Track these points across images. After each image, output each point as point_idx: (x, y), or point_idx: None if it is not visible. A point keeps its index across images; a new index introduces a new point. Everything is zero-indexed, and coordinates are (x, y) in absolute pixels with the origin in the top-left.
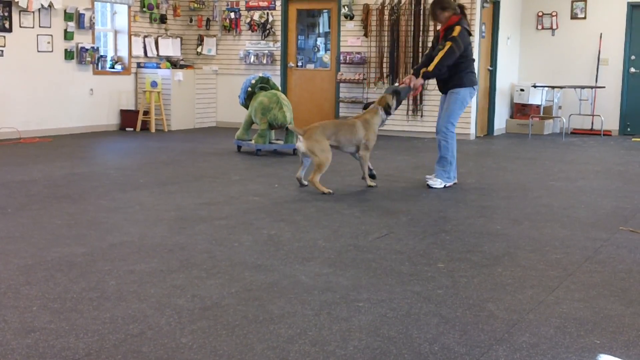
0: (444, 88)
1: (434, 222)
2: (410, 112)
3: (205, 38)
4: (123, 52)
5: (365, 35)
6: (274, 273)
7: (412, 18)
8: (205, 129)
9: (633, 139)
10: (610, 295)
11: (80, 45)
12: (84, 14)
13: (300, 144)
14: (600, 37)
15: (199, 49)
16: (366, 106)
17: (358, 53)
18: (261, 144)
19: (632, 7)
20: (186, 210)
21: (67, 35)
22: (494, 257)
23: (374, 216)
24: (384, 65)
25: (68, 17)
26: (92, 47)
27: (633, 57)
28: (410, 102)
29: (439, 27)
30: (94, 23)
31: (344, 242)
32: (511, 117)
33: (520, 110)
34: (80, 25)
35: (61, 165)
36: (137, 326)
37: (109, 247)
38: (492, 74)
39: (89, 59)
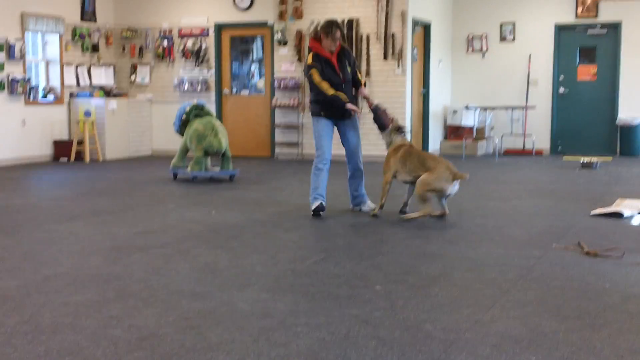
0: (342, 114)
1: (370, 244)
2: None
3: (138, 66)
4: (55, 82)
5: (299, 60)
6: (211, 300)
7: (345, 42)
8: (141, 158)
9: (564, 158)
10: (545, 312)
11: (11, 76)
12: (14, 45)
13: (457, 187)
14: (530, 58)
15: (132, 78)
16: (382, 125)
17: (292, 78)
18: (197, 171)
19: (559, 28)
20: (122, 240)
21: None
22: (431, 277)
23: (311, 240)
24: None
25: None
26: (23, 78)
27: (562, 77)
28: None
29: (332, 49)
30: (24, 53)
31: (281, 267)
32: (445, 138)
33: (453, 131)
34: (10, 55)
35: None
36: (73, 359)
37: (43, 279)
38: (425, 97)
39: (20, 89)
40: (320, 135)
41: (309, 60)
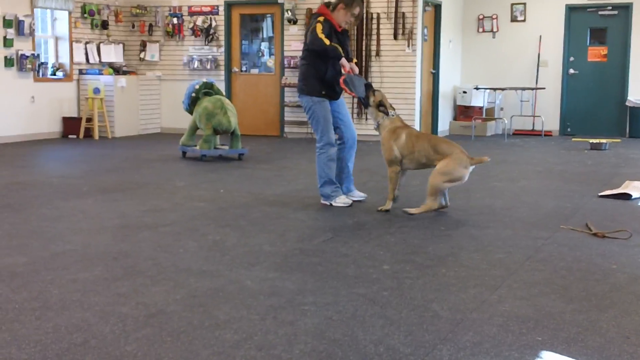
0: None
1: (378, 224)
2: (355, 115)
3: (148, 44)
4: (64, 59)
5: None
6: (219, 279)
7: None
8: (150, 136)
9: (573, 139)
10: (552, 293)
11: (20, 53)
12: (23, 21)
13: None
14: (540, 39)
15: (141, 55)
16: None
17: None
18: (206, 150)
19: (570, 9)
20: (130, 218)
21: (7, 43)
22: (438, 257)
23: (319, 220)
24: None
25: (7, 23)
26: (33, 54)
27: (572, 59)
28: (355, 104)
29: (342, 24)
30: (33, 30)
31: (289, 246)
32: (454, 119)
33: (463, 112)
34: (19, 32)
35: (1, 174)
36: (81, 335)
37: (51, 256)
38: (435, 77)
39: (29, 66)
40: (326, 119)
41: (319, 21)
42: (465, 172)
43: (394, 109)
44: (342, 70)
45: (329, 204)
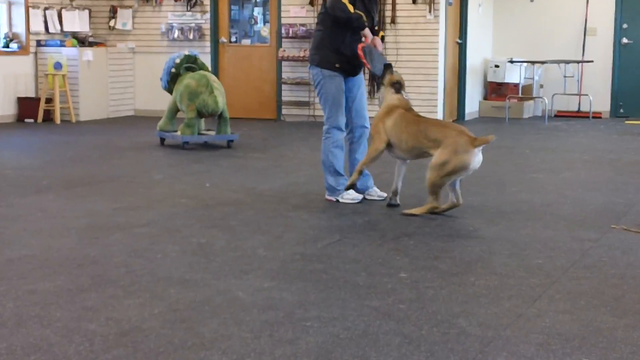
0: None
1: (394, 224)
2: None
3: (119, 9)
4: (19, 28)
5: (311, 3)
6: (205, 289)
7: None
8: (121, 119)
9: (626, 122)
10: (601, 306)
11: None
12: None
13: (481, 157)
14: (587, 2)
15: (111, 23)
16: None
17: (303, 25)
18: (188, 136)
19: None
20: (99, 217)
21: None
22: (466, 263)
23: (323, 219)
24: None
25: None
26: None
27: (625, 26)
28: (367, 81)
29: None
30: None
31: (288, 250)
32: (485, 98)
33: (495, 90)
34: None
35: None
36: (40, 357)
37: (5, 262)
38: (462, 48)
39: None
40: (336, 97)
41: None
42: (467, 159)
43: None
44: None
45: (334, 199)
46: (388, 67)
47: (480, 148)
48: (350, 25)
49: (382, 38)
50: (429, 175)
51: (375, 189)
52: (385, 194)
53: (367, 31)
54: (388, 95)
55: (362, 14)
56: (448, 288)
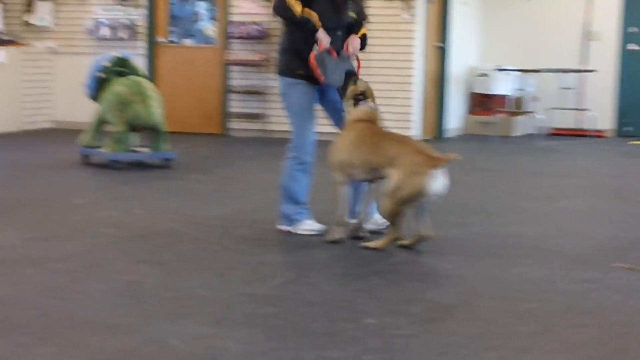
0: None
1: (361, 260)
2: None
3: (36, 2)
4: None
5: None
6: (133, 336)
7: None
8: (38, 132)
9: (633, 142)
10: (604, 358)
11: None
12: None
13: (444, 180)
14: (590, 1)
15: (27, 18)
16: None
17: (256, 24)
18: (118, 153)
19: None
20: (8, 250)
21: None
22: (444, 307)
23: (276, 253)
24: None
25: None
26: None
27: (633, 29)
28: None
29: None
30: None
31: (234, 290)
32: (469, 112)
33: (481, 103)
34: None
35: None
36: None
37: None
38: (443, 54)
39: None
40: (301, 109)
41: None
42: (422, 182)
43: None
44: (317, 47)
45: (288, 230)
46: (351, 75)
47: (440, 169)
48: (299, 28)
49: (364, 37)
50: (384, 202)
51: (376, 215)
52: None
53: (320, 34)
54: (351, 109)
55: (311, 15)
56: (422, 337)
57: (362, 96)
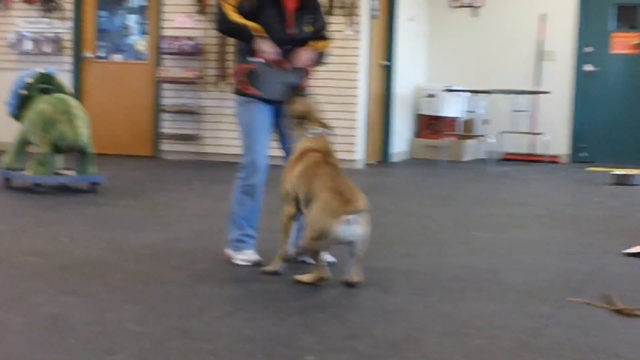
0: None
1: (300, 293)
2: None
3: None
4: None
5: (202, 12)
6: None
7: None
8: None
9: (589, 168)
10: None
11: None
12: None
13: (358, 228)
14: (543, 19)
15: None
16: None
17: (190, 39)
18: (41, 176)
19: None
20: None
21: None
22: (390, 344)
23: (211, 285)
24: (229, 57)
25: None
26: None
27: (589, 49)
28: None
29: None
30: None
31: (166, 324)
32: (416, 135)
33: (429, 125)
34: None
35: None
36: None
37: None
38: (389, 73)
39: None
40: (252, 129)
41: None
42: (332, 225)
43: (327, 127)
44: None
45: (231, 256)
46: (293, 89)
47: (354, 216)
48: (237, 37)
49: (321, 52)
50: (304, 236)
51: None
52: (333, 259)
53: (260, 43)
54: (297, 139)
55: (248, 24)
56: None
57: (302, 119)
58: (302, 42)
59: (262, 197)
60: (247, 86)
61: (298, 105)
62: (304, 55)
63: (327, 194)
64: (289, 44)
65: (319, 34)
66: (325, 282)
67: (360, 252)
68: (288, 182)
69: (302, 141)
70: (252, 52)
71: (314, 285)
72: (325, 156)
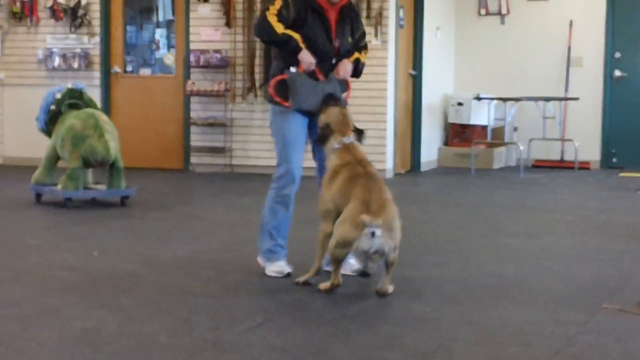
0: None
1: (332, 303)
2: None
3: None
4: None
5: (228, 24)
6: None
7: None
8: None
9: (620, 174)
10: None
11: None
12: None
13: (382, 240)
14: (571, 25)
15: None
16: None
17: (217, 52)
18: (72, 191)
19: None
20: None
21: None
22: (422, 353)
23: (242, 297)
24: (257, 69)
25: None
26: None
27: (618, 55)
28: None
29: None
30: None
31: (197, 336)
32: (445, 144)
33: (458, 134)
34: None
35: None
36: None
37: None
38: (417, 82)
39: None
40: (288, 139)
41: None
42: (353, 235)
43: (360, 133)
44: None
45: (262, 265)
46: (329, 99)
47: (376, 229)
48: (280, 48)
49: (357, 61)
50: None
51: (351, 261)
52: (358, 267)
53: (302, 54)
54: (330, 150)
55: (293, 35)
56: None
57: (326, 129)
58: (345, 54)
59: (293, 207)
60: (284, 97)
61: (327, 114)
62: (347, 67)
63: (354, 204)
64: (333, 56)
65: (360, 44)
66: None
67: (389, 262)
68: (328, 199)
69: (337, 154)
70: (291, 63)
71: (329, 292)
72: (362, 166)
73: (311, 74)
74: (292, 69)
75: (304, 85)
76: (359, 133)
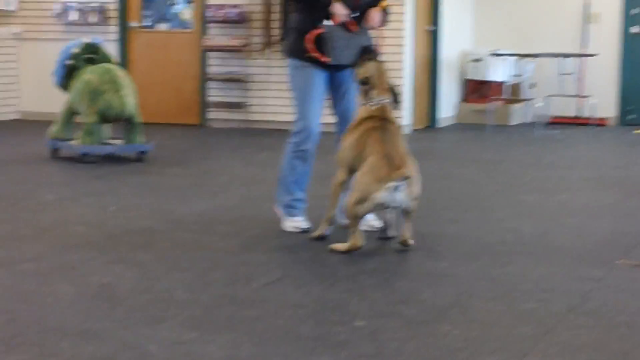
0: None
1: (349, 259)
2: None
3: None
4: None
5: None
6: (108, 342)
7: None
8: (3, 124)
9: (636, 131)
10: None
11: None
12: None
13: (403, 195)
14: None
15: None
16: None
17: (235, 7)
18: (89, 145)
19: None
20: None
21: None
22: (438, 309)
23: (260, 252)
24: (274, 24)
25: None
26: None
27: (635, 11)
28: None
29: None
30: None
31: (214, 292)
32: (463, 100)
33: (475, 90)
34: None
35: None
36: None
37: None
38: (434, 38)
39: None
40: (307, 94)
41: None
42: (376, 191)
43: (392, 93)
44: (331, 20)
45: (279, 215)
46: (366, 52)
47: (400, 183)
48: (314, 2)
49: (385, 10)
50: (345, 199)
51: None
52: (381, 224)
53: (336, 6)
54: (366, 98)
55: None
56: (416, 340)
57: (366, 83)
58: (369, 3)
59: (313, 162)
60: (319, 51)
61: (364, 69)
62: (376, 16)
63: (374, 158)
64: (357, 10)
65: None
66: (359, 250)
67: (410, 214)
68: (347, 147)
69: (364, 109)
70: (318, 16)
71: (349, 253)
72: (383, 122)
73: (343, 26)
74: (326, 22)
75: (341, 39)
76: (395, 95)
